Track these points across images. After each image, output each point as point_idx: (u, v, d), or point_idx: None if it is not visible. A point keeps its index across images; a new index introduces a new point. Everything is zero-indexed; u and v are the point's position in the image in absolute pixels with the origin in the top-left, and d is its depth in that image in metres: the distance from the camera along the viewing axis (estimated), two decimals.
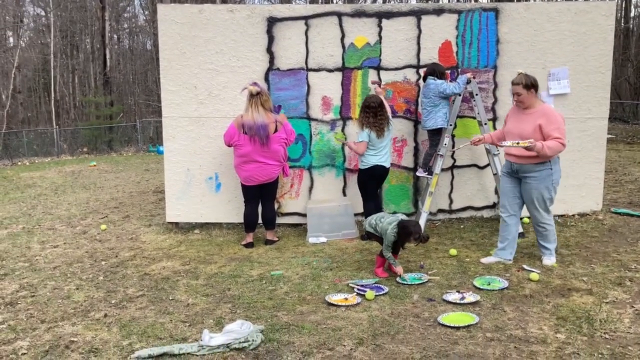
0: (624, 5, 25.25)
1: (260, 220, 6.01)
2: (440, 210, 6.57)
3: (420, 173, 6.20)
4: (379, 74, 6.33)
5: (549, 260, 4.88)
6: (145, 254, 5.71)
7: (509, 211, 4.94)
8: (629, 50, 25.41)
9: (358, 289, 4.36)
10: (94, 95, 26.40)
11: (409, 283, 4.52)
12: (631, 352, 3.23)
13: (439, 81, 5.88)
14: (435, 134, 6.07)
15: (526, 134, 4.61)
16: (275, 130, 5.63)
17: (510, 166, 4.85)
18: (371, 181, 5.89)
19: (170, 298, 4.40)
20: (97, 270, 5.22)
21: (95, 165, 14.64)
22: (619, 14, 24.78)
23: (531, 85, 4.65)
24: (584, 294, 4.15)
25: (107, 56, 23.87)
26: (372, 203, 5.93)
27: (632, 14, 26.51)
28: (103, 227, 6.91)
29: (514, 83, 4.71)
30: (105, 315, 4.08)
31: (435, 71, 5.94)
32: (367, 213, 5.94)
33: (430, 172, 6.08)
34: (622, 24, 25.16)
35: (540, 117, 4.60)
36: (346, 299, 4.19)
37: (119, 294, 4.53)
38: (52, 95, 25.63)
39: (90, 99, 25.71)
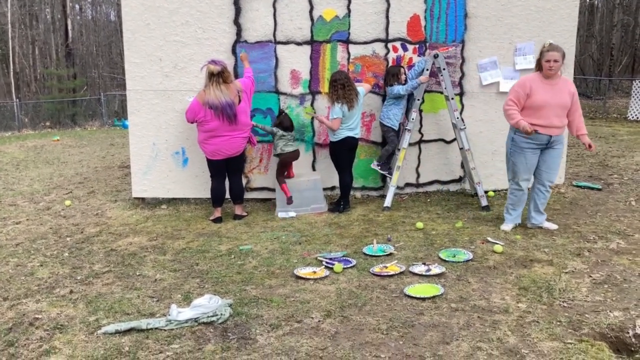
0: None
1: (228, 195, 5.98)
2: (408, 184, 6.65)
3: (382, 170, 6.25)
4: (347, 48, 6.29)
5: (553, 224, 5.16)
6: (112, 229, 5.63)
7: (529, 182, 5.13)
8: (593, 26, 25.87)
9: (326, 262, 4.40)
10: (56, 68, 25.56)
11: (375, 254, 4.58)
12: (588, 319, 3.36)
13: (390, 88, 6.04)
14: (388, 131, 6.17)
15: (566, 102, 4.82)
16: (239, 101, 5.57)
17: (547, 139, 4.87)
18: (343, 153, 5.93)
19: (138, 274, 4.37)
20: (61, 246, 5.12)
21: (58, 140, 14.26)
22: None
23: (564, 55, 4.80)
24: (545, 264, 4.28)
25: (69, 27, 23.09)
26: (349, 175, 5.99)
27: None
28: (67, 202, 6.77)
29: (552, 50, 4.71)
30: (71, 292, 4.03)
31: (385, 79, 6.19)
32: (342, 185, 6.00)
33: (390, 172, 6.16)
34: (588, 1, 25.51)
35: (568, 85, 4.86)
36: (314, 272, 4.23)
37: (84, 270, 4.47)
38: (11, 67, 24.71)
39: (52, 71, 24.90)
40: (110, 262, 4.65)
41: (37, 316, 3.63)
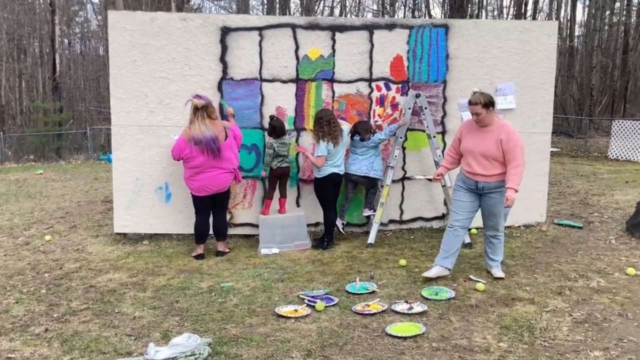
0: (569, 25, 26.38)
1: (211, 231, 5.95)
2: (392, 221, 6.66)
3: (366, 212, 6.31)
4: (332, 86, 6.39)
5: (500, 272, 4.92)
6: (92, 265, 5.55)
7: (464, 225, 4.89)
8: (573, 67, 26.55)
9: (308, 300, 4.37)
10: (42, 101, 25.49)
11: (358, 292, 4.56)
12: (568, 359, 3.35)
13: (372, 139, 6.07)
14: (369, 180, 6.17)
15: (489, 151, 4.62)
16: (226, 137, 5.60)
17: (475, 184, 4.76)
18: (329, 189, 5.95)
19: (116, 311, 4.29)
20: (39, 282, 5.03)
21: (41, 174, 14.13)
22: (565, 33, 25.88)
23: (489, 103, 4.62)
24: (527, 303, 4.29)
25: (57, 61, 23.16)
26: (333, 211, 5.99)
27: (576, 33, 27.73)
28: (48, 237, 6.67)
29: (472, 103, 4.61)
30: (46, 330, 3.94)
31: (357, 132, 6.12)
32: (327, 221, 5.99)
33: (375, 210, 6.23)
34: (568, 42, 26.26)
35: (500, 133, 4.61)
36: (296, 310, 4.19)
37: (61, 308, 4.38)
38: None
39: (38, 105, 24.78)
40: (88, 299, 4.56)
41: (10, 355, 3.53)
